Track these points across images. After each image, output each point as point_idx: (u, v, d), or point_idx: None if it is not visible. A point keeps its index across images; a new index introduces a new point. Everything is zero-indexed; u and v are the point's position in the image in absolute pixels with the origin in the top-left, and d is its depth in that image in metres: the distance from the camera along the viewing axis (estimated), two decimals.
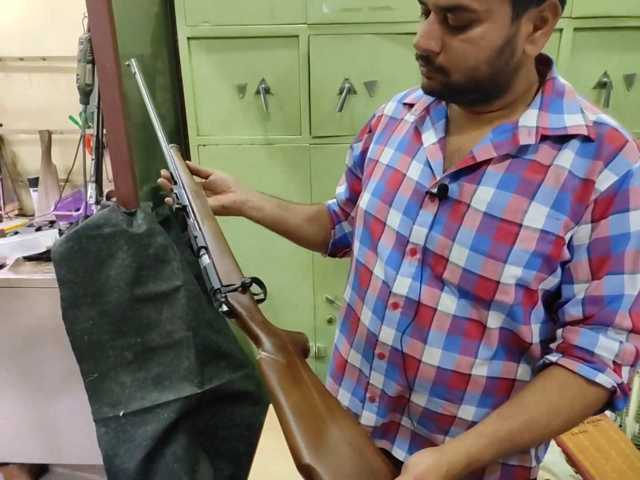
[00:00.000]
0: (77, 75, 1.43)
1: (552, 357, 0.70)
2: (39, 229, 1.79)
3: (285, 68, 1.49)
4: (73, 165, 1.82)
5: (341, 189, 1.03)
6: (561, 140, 0.68)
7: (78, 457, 1.82)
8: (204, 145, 1.59)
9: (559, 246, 0.67)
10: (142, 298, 1.44)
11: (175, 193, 0.86)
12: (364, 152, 0.92)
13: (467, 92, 0.69)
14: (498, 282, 0.69)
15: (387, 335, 0.78)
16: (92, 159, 1.52)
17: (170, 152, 0.91)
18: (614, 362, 0.68)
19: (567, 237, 0.67)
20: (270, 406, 1.42)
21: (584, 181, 0.66)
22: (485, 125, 0.73)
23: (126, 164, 1.40)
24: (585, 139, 0.67)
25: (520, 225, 0.68)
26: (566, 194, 0.66)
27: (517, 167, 0.69)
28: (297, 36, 1.44)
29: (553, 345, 0.72)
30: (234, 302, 0.72)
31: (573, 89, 0.72)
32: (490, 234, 0.69)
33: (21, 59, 1.91)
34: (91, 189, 1.52)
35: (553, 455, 1.39)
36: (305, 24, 1.43)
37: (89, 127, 1.56)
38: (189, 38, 1.47)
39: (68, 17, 1.68)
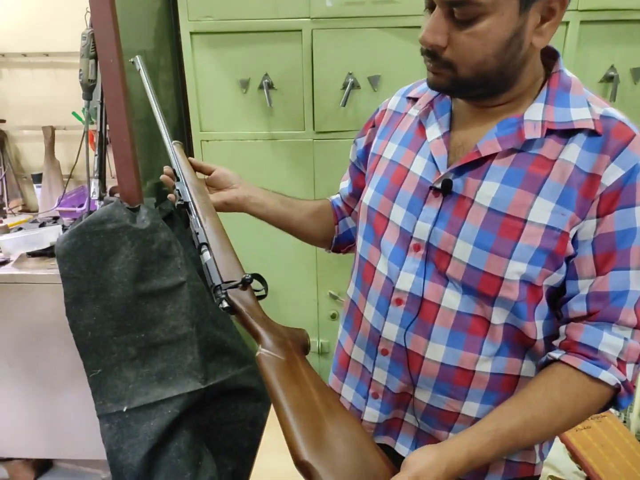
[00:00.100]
0: (80, 70, 1.43)
1: (555, 354, 0.70)
2: (42, 225, 1.80)
3: (288, 63, 1.48)
4: (76, 161, 1.82)
5: (345, 184, 1.02)
6: (567, 134, 0.67)
7: (82, 452, 1.83)
8: (207, 141, 1.58)
9: (564, 242, 0.67)
10: (145, 294, 1.44)
11: (178, 190, 0.86)
12: (368, 146, 0.91)
13: (474, 86, 0.68)
14: (502, 278, 0.68)
15: (391, 331, 0.77)
16: (96, 155, 1.52)
17: (173, 148, 0.91)
18: (618, 359, 0.67)
19: (572, 233, 0.67)
20: None
21: (590, 176, 0.65)
22: (491, 119, 0.72)
23: (129, 160, 1.40)
24: (592, 133, 0.66)
25: (525, 221, 0.67)
26: (572, 189, 0.66)
27: (523, 162, 0.68)
28: (300, 30, 1.43)
29: (556, 342, 0.71)
30: (234, 298, 0.72)
31: (580, 82, 0.71)
32: (494, 229, 0.68)
33: (24, 55, 1.91)
34: (94, 185, 1.52)
35: (557, 452, 1.39)
36: (309, 18, 1.42)
37: (92, 123, 1.56)
38: (191, 33, 1.47)
39: (71, 13, 1.67)
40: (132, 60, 1.01)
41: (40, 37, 1.88)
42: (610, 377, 0.66)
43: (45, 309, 1.62)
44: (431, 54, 0.67)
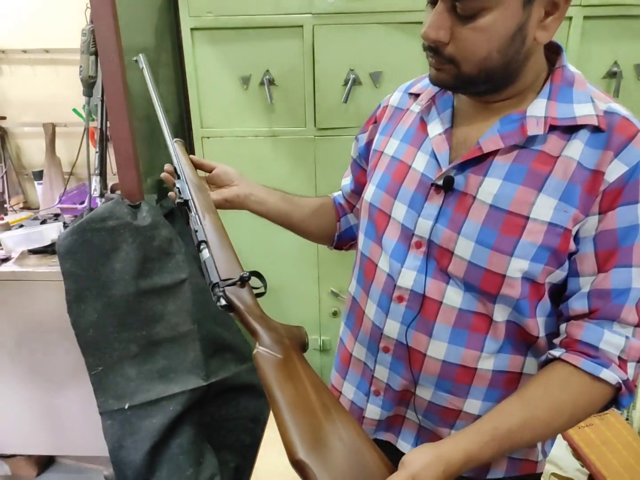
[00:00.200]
0: (80, 67, 1.42)
1: (555, 352, 0.69)
2: (43, 222, 1.79)
3: (289, 59, 1.47)
4: (77, 158, 1.82)
5: (346, 181, 1.02)
6: (570, 130, 0.66)
7: (84, 448, 1.83)
8: (208, 138, 1.58)
9: (567, 239, 0.66)
10: (147, 291, 1.44)
11: (178, 187, 0.85)
12: (369, 143, 0.91)
13: (477, 82, 0.67)
14: (504, 276, 0.68)
15: (392, 328, 0.77)
16: (96, 152, 1.52)
17: (174, 146, 0.90)
18: (619, 357, 0.66)
19: (574, 230, 0.66)
20: None
21: (594, 172, 0.65)
22: (493, 115, 0.71)
23: (130, 157, 1.39)
24: (595, 129, 0.65)
25: (527, 218, 0.66)
26: (575, 185, 0.65)
27: (525, 158, 0.68)
28: (302, 26, 1.43)
29: (556, 341, 0.71)
30: (232, 296, 0.72)
31: (583, 77, 0.70)
32: (496, 226, 0.68)
33: (24, 52, 1.91)
34: (95, 182, 1.52)
35: (559, 449, 1.39)
36: (310, 13, 1.42)
37: (93, 119, 1.55)
38: (192, 29, 1.46)
39: (71, 9, 1.67)
40: (135, 58, 1.01)
41: (40, 34, 1.88)
42: (611, 375, 0.65)
43: (47, 306, 1.62)
44: (433, 49, 0.66)
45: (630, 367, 0.66)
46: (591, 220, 0.66)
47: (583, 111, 0.66)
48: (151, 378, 1.48)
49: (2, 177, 2.03)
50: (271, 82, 1.49)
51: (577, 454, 1.39)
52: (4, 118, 2.01)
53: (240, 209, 0.93)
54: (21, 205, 2.09)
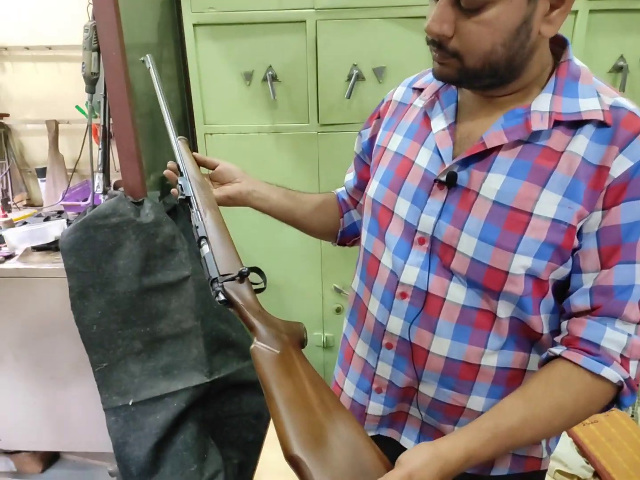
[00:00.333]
0: (83, 63, 1.42)
1: (556, 350, 0.68)
2: (47, 219, 1.80)
3: (292, 54, 1.46)
4: (80, 155, 1.82)
5: (350, 177, 1.01)
6: (575, 125, 0.66)
7: (89, 444, 1.84)
8: (211, 134, 1.57)
9: (571, 236, 0.65)
10: (150, 288, 1.44)
11: (180, 184, 0.85)
12: (373, 138, 0.90)
13: (482, 77, 0.67)
14: (507, 273, 0.67)
15: (395, 325, 0.77)
16: (99, 149, 1.51)
17: (178, 144, 0.91)
18: (621, 355, 0.65)
19: (578, 226, 0.65)
20: None
21: (599, 168, 0.64)
22: (497, 109, 0.71)
23: (133, 154, 1.39)
24: (601, 124, 0.64)
25: (531, 214, 0.66)
26: (579, 181, 0.64)
27: (529, 154, 0.67)
28: (304, 21, 1.42)
29: (557, 338, 0.70)
30: (230, 291, 0.72)
31: (589, 71, 0.69)
32: (499, 223, 0.67)
33: (27, 49, 1.91)
34: (98, 179, 1.52)
35: (564, 446, 1.38)
36: (313, 8, 1.41)
37: (96, 116, 1.55)
38: (194, 25, 1.46)
39: (73, 5, 1.66)
40: (142, 59, 1.02)
41: (42, 31, 1.88)
42: (612, 374, 0.64)
43: (51, 303, 1.62)
44: (437, 43, 0.65)
45: (633, 365, 0.65)
46: (595, 216, 0.65)
47: (588, 106, 0.65)
48: (155, 375, 1.48)
49: (6, 174, 2.03)
50: (274, 77, 1.48)
51: (582, 450, 1.39)
52: (7, 115, 2.01)
53: (243, 206, 0.93)
54: (24, 202, 2.10)
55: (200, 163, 0.92)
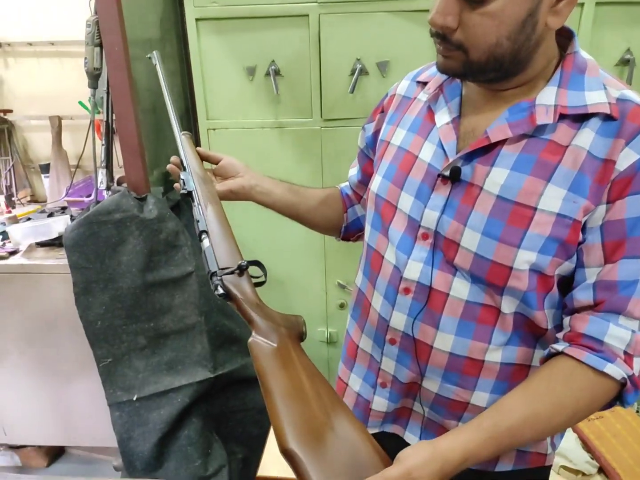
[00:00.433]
0: (85, 59, 1.42)
1: (559, 346, 0.67)
2: (50, 215, 1.80)
3: (295, 49, 1.46)
4: (83, 151, 1.82)
5: (353, 172, 1.01)
6: (581, 118, 0.65)
7: (94, 439, 1.85)
8: (214, 129, 1.57)
9: (576, 230, 0.65)
10: (154, 283, 1.44)
11: (183, 179, 0.85)
12: (376, 133, 0.90)
13: (487, 70, 0.66)
14: (511, 268, 0.66)
15: (399, 320, 0.76)
16: (103, 145, 1.51)
17: (181, 139, 0.90)
18: (625, 352, 0.64)
19: (583, 221, 0.65)
20: None
21: (605, 162, 0.63)
22: (502, 103, 0.70)
23: (136, 149, 1.39)
24: (607, 117, 0.63)
25: (535, 209, 0.65)
26: (585, 175, 0.63)
27: (534, 148, 0.66)
28: (307, 15, 1.41)
29: (560, 334, 0.69)
30: (229, 284, 0.71)
31: (596, 63, 0.68)
32: (503, 218, 0.66)
33: (30, 44, 1.91)
34: (102, 175, 1.52)
35: (569, 442, 1.38)
36: (316, 2, 1.40)
37: (99, 112, 1.55)
38: (197, 19, 1.45)
39: (75, 0, 1.66)
40: (149, 55, 1.01)
41: (45, 26, 1.87)
42: (616, 370, 0.63)
43: (55, 299, 1.63)
44: (441, 36, 0.65)
45: (636, 362, 0.64)
46: (599, 210, 0.64)
47: (594, 99, 0.64)
48: (159, 370, 1.48)
49: (9, 170, 2.03)
50: (277, 72, 1.47)
51: (587, 446, 1.38)
52: (10, 111, 2.01)
53: (246, 200, 0.93)
54: (28, 198, 2.10)
55: (203, 158, 0.92)
